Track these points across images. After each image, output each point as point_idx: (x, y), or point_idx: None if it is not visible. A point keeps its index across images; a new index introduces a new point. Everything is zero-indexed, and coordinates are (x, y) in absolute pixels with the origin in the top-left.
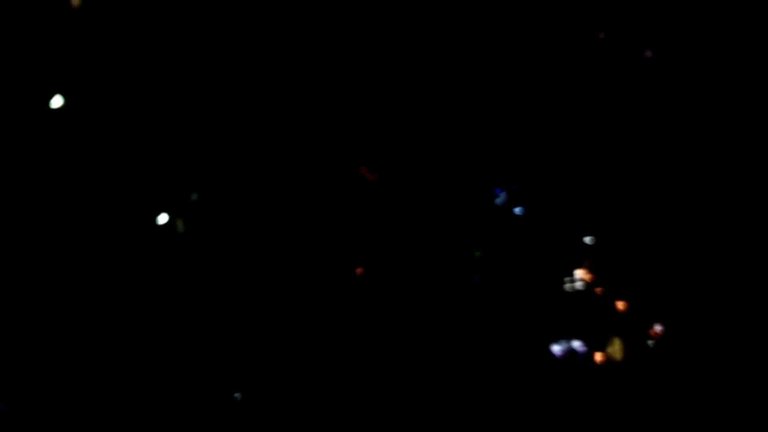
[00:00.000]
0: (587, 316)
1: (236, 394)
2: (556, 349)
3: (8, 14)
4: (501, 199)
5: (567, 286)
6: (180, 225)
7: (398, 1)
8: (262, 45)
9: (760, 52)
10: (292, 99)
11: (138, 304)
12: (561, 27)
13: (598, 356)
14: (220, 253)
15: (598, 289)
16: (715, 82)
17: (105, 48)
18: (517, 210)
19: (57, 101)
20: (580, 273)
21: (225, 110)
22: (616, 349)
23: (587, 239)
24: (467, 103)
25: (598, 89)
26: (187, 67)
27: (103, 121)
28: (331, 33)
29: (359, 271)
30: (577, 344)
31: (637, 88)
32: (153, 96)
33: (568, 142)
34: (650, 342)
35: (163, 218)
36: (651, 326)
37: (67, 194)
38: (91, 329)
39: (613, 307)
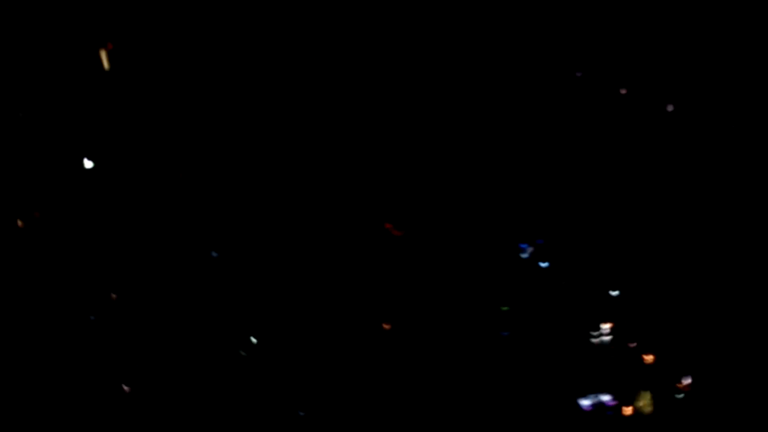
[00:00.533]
0: (616, 370)
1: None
2: (585, 403)
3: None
4: (527, 253)
5: (595, 340)
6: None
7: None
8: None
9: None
10: (324, 157)
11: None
12: (584, 84)
13: (628, 410)
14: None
15: (627, 342)
16: (734, 134)
17: (133, 109)
18: (543, 264)
19: (88, 164)
20: (607, 326)
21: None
22: (645, 402)
23: (613, 292)
24: (494, 159)
25: (621, 143)
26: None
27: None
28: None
29: (387, 326)
30: (606, 398)
31: (659, 142)
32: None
33: (592, 197)
34: (679, 395)
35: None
36: (679, 379)
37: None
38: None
39: (641, 359)
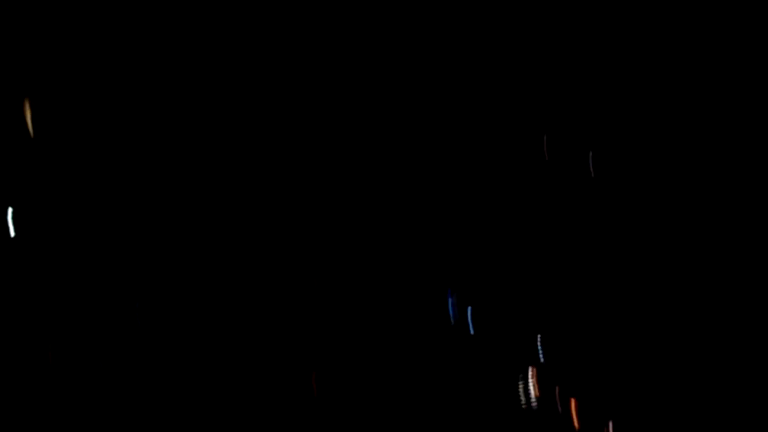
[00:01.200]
0: (542, 416)
1: None
2: None
3: None
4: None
5: (520, 385)
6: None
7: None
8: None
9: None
10: None
11: None
12: (508, 151)
13: None
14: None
15: (551, 387)
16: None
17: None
18: (469, 310)
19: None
20: (531, 372)
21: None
22: None
23: (537, 343)
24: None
25: (544, 205)
26: None
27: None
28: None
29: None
30: None
31: (580, 203)
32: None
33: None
34: None
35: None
36: (606, 424)
37: None
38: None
39: (567, 404)
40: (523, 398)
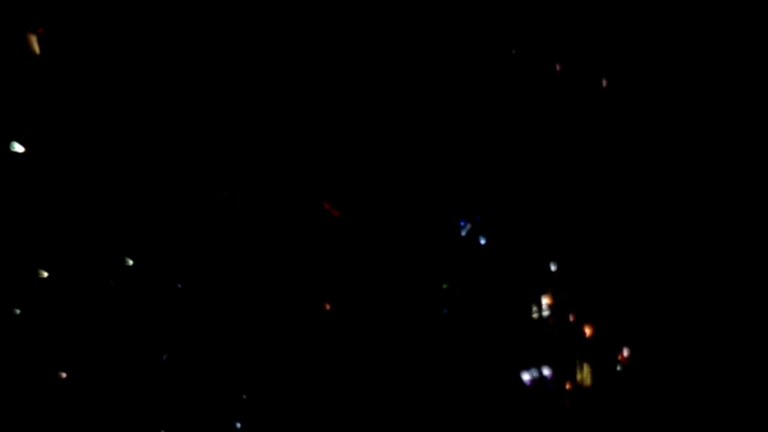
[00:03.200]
0: (556, 343)
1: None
2: (526, 377)
3: None
4: (465, 230)
5: (534, 314)
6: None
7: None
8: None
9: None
10: (255, 130)
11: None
12: (517, 60)
13: (568, 383)
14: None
15: (566, 315)
16: (671, 108)
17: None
18: (482, 240)
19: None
20: (546, 300)
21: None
22: (585, 375)
23: (552, 266)
24: (428, 135)
25: (556, 118)
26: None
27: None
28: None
29: (327, 306)
30: (546, 371)
31: (595, 116)
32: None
33: (529, 172)
34: (619, 367)
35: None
36: (620, 350)
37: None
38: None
39: (581, 332)
40: (536, 322)
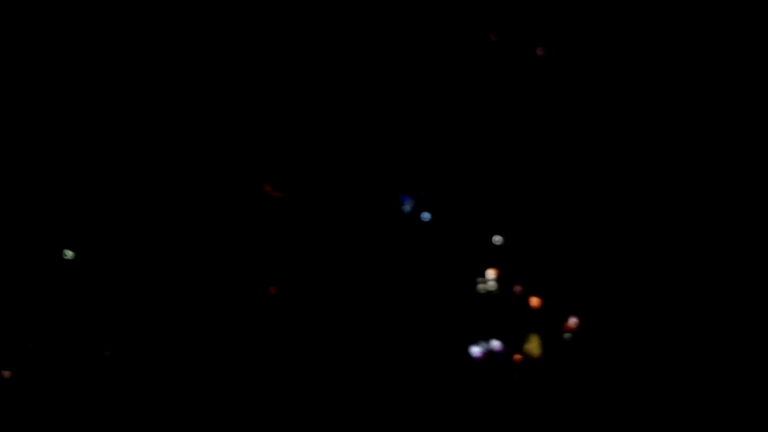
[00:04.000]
0: (503, 316)
1: None
2: (475, 350)
3: None
4: (408, 206)
5: (480, 287)
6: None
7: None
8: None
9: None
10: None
11: None
12: (453, 30)
13: (517, 355)
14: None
15: (512, 288)
16: (606, 78)
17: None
18: (425, 216)
19: None
20: (491, 273)
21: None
22: (533, 345)
23: (496, 239)
24: (368, 112)
25: (493, 89)
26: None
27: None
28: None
29: (273, 290)
30: (495, 344)
31: (531, 86)
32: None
33: (468, 145)
34: (566, 336)
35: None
36: (566, 320)
37: None
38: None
39: (528, 304)
40: (483, 296)
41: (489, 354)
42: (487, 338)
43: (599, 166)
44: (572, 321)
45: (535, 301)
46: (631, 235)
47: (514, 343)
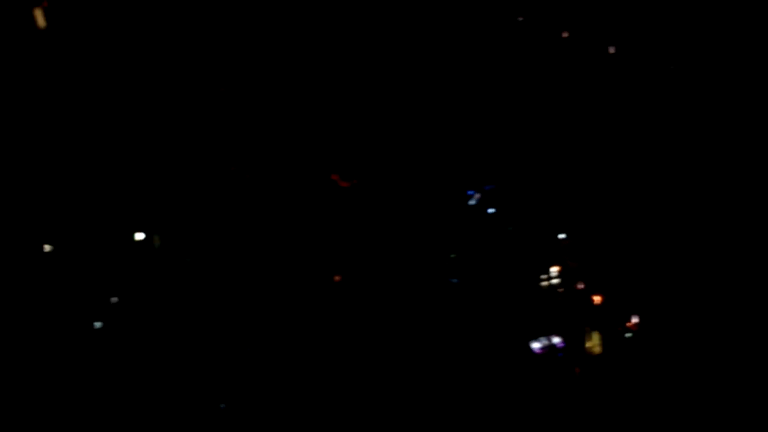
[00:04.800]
0: (565, 312)
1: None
2: (536, 345)
3: None
4: (474, 200)
5: (544, 283)
6: (157, 240)
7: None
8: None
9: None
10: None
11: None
12: (526, 29)
13: (578, 351)
14: (202, 266)
15: (575, 284)
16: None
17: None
18: (491, 210)
19: None
20: (556, 269)
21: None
22: (594, 342)
23: (561, 236)
24: (438, 107)
25: (565, 87)
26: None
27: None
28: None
29: (337, 278)
30: (556, 340)
31: (603, 84)
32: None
33: (538, 142)
34: (628, 334)
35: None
36: (628, 318)
37: None
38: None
39: (590, 301)
40: (546, 291)
41: (550, 349)
42: (548, 333)
43: (666, 169)
44: (634, 320)
45: (597, 299)
46: (692, 237)
47: (575, 339)
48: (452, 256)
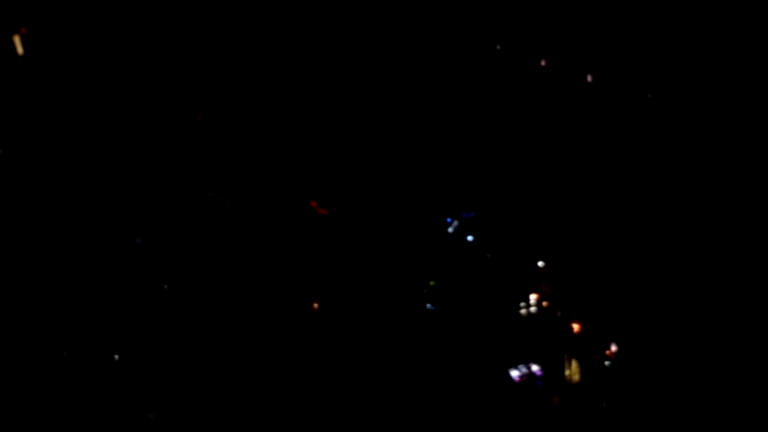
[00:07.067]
0: (544, 340)
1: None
2: (515, 373)
3: None
4: (453, 227)
5: (523, 311)
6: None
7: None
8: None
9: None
10: (244, 135)
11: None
12: (502, 58)
13: (556, 379)
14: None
15: (554, 312)
16: (650, 103)
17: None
18: (469, 238)
19: None
20: (534, 297)
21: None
22: (573, 370)
23: (540, 263)
24: (415, 134)
25: (542, 114)
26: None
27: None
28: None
29: (316, 305)
30: (535, 368)
31: (580, 111)
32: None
33: (515, 169)
34: (607, 362)
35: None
36: (607, 346)
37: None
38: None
39: (569, 329)
40: (524, 319)
41: (528, 377)
42: (527, 361)
43: (648, 196)
44: (613, 347)
45: (576, 327)
46: (673, 265)
47: (554, 368)
48: (431, 283)
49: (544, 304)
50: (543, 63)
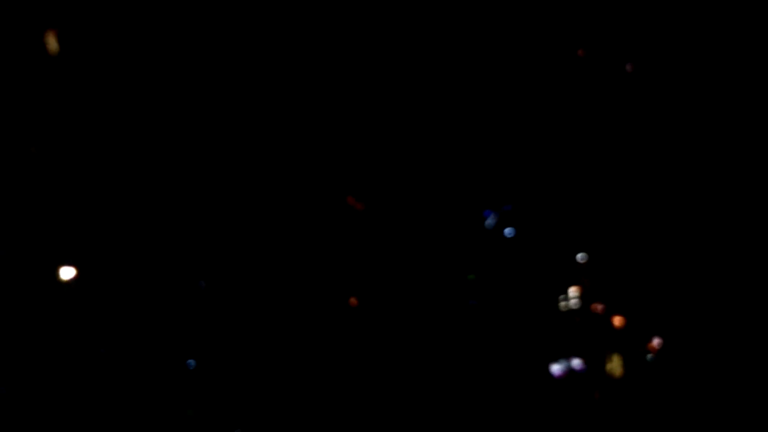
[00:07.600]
0: (584, 334)
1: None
2: (555, 368)
3: None
4: (491, 220)
5: (562, 305)
6: None
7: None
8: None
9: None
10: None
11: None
12: (541, 46)
13: (598, 375)
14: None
15: (595, 306)
16: (696, 93)
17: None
18: (508, 231)
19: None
20: (574, 290)
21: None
22: (615, 365)
23: (580, 256)
24: (453, 126)
25: (582, 106)
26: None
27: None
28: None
29: (353, 301)
30: (575, 363)
31: (620, 103)
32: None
33: (555, 160)
34: (649, 356)
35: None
36: (649, 340)
37: None
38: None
39: (610, 323)
40: (565, 313)
41: (569, 372)
42: (568, 356)
43: (690, 186)
44: (656, 341)
45: (617, 321)
46: (717, 257)
47: (595, 362)
48: (470, 277)
49: (584, 297)
50: (581, 53)
